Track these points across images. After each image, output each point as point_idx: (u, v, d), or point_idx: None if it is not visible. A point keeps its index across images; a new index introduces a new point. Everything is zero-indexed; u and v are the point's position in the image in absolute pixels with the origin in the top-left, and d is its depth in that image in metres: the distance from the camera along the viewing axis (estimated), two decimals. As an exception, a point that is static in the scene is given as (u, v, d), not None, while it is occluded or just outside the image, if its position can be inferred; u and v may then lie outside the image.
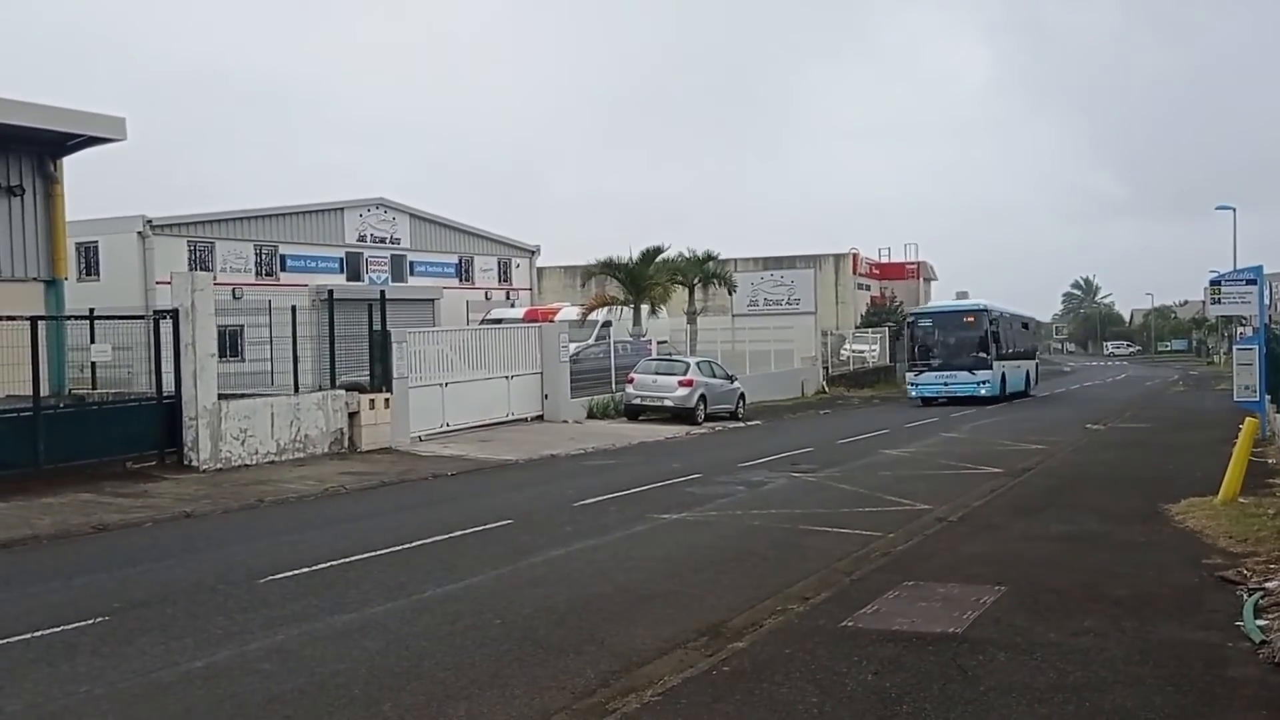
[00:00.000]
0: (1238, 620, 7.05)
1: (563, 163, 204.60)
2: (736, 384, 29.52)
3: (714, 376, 28.41)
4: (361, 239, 38.11)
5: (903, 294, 62.45)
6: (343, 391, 19.96)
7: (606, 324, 34.03)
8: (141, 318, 19.22)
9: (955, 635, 6.88)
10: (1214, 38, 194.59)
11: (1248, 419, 13.55)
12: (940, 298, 72.31)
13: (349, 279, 36.46)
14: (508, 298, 43.34)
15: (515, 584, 9.12)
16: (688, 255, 35.74)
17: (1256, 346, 17.83)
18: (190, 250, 32.49)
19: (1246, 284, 19.40)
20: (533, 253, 45.77)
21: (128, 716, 6.02)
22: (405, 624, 7.81)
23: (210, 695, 6.30)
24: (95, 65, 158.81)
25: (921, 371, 35.66)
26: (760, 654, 6.60)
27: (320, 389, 20.03)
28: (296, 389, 19.60)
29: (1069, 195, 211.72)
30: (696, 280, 35.45)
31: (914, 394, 35.56)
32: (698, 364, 28.12)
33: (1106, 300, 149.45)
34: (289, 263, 35.47)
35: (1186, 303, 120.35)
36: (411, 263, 39.87)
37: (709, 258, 36.04)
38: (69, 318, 20.35)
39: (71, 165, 22.12)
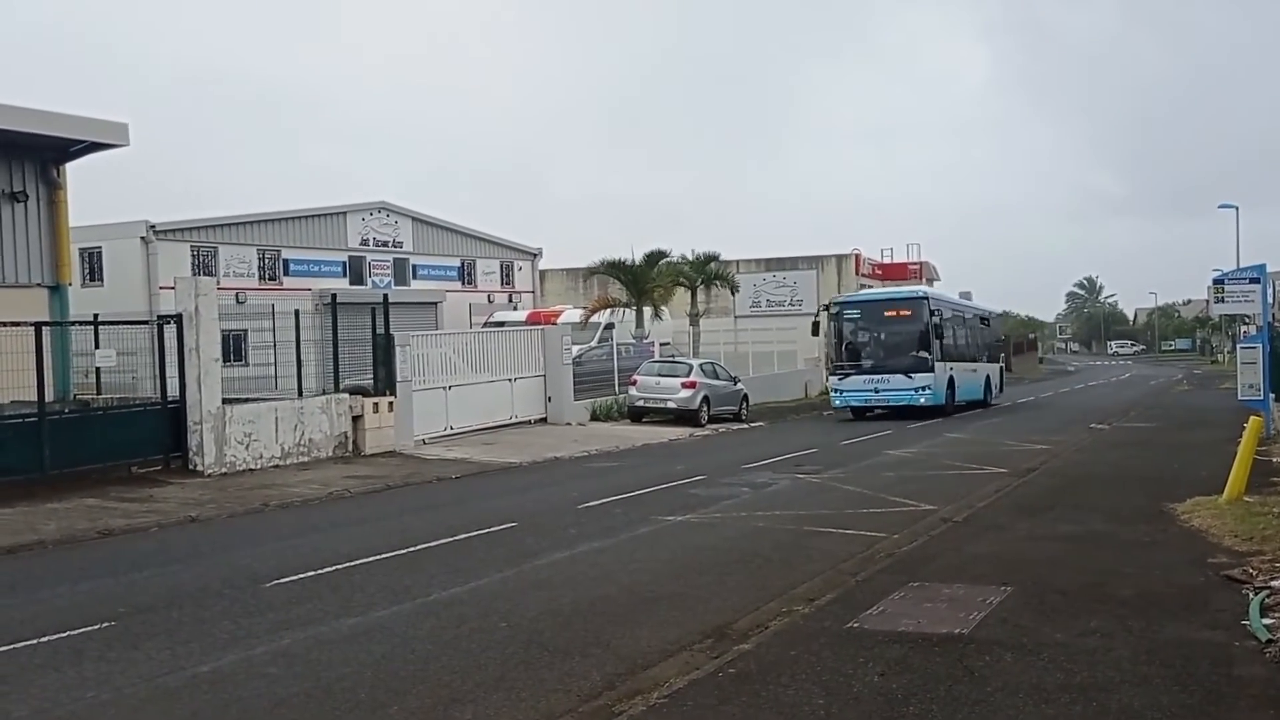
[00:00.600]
0: (1244, 619, 7.03)
1: (564, 164, 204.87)
2: (740, 385, 29.53)
3: (717, 378, 28.42)
4: (364, 243, 38.15)
5: (906, 294, 62.33)
6: (346, 395, 19.99)
7: (609, 326, 34.05)
8: (145, 323, 19.27)
9: (961, 636, 6.87)
10: (1213, 36, 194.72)
11: (1252, 418, 13.53)
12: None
13: (352, 283, 36.52)
14: (510, 300, 43.37)
15: (520, 587, 9.12)
16: (690, 257, 35.71)
17: (1260, 345, 17.82)
18: (193, 255, 32.55)
19: (1250, 283, 19.40)
20: (535, 255, 45.80)
21: (134, 721, 6.03)
22: (411, 627, 7.81)
23: (216, 700, 6.30)
24: (97, 71, 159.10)
25: (847, 375, 29.23)
26: (766, 656, 6.60)
27: (324, 393, 20.07)
28: (300, 393, 19.65)
29: (1070, 194, 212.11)
30: (699, 282, 35.42)
31: (838, 403, 29.32)
32: (701, 366, 28.13)
33: (1110, 299, 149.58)
34: (292, 267, 35.53)
35: (1190, 301, 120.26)
36: (414, 266, 39.93)
37: (711, 259, 35.99)
38: (73, 323, 20.38)
39: (74, 171, 22.17)
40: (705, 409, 26.87)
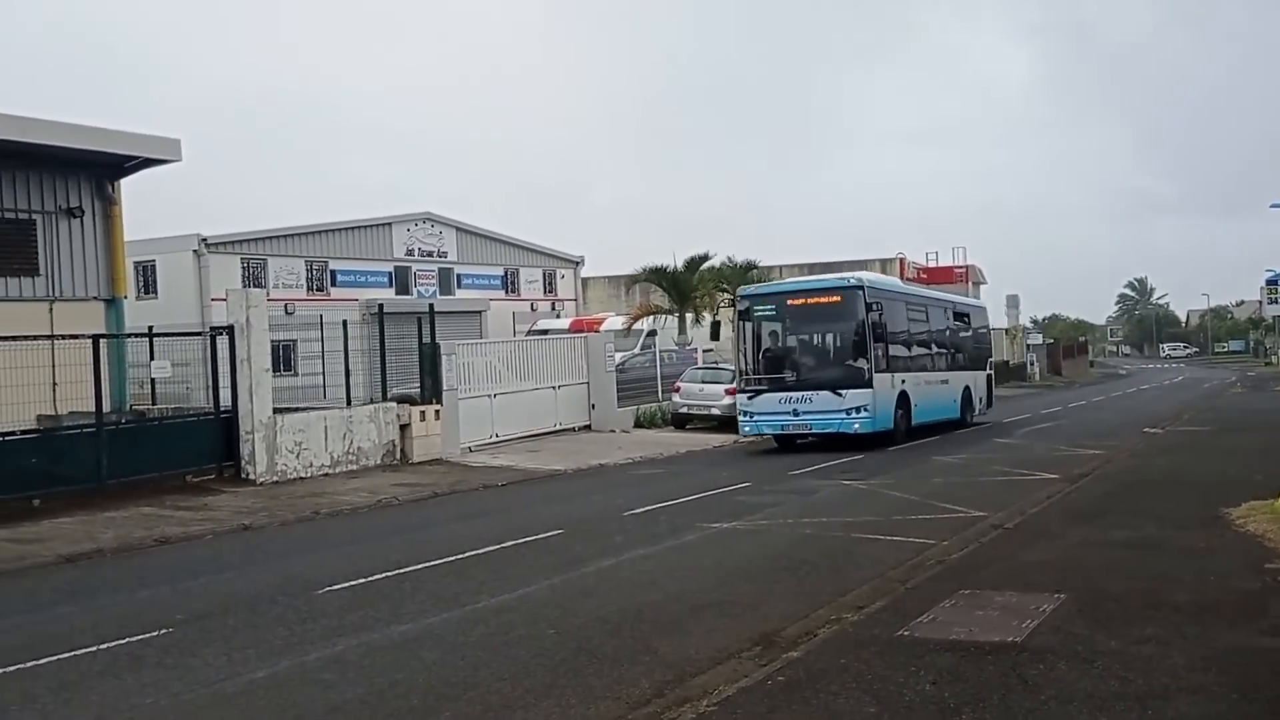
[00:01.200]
0: (1305, 627, 6.89)
1: (605, 173, 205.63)
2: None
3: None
4: (409, 253, 38.58)
5: (951, 298, 61.68)
6: (394, 404, 20.21)
7: (652, 333, 34.09)
8: (198, 334, 19.65)
9: (1014, 644, 6.80)
10: (1258, 31, 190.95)
11: (1311, 421, 13.24)
12: (990, 303, 70.39)
13: (398, 292, 36.95)
14: (553, 308, 43.62)
15: (568, 594, 9.16)
16: (732, 263, 35.58)
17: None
18: (243, 267, 33.13)
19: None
20: (577, 263, 46.02)
21: (193, 726, 6.14)
22: (461, 634, 7.89)
23: (273, 705, 6.41)
24: (150, 86, 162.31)
25: (758, 392, 21.96)
26: (815, 664, 6.57)
27: (372, 402, 20.31)
28: (349, 402, 19.92)
29: (1118, 195, 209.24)
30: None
31: (748, 429, 22.41)
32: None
33: (1162, 301, 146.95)
34: (339, 277, 36.03)
35: (1243, 302, 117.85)
36: (458, 275, 40.31)
37: (753, 265, 35.85)
38: (129, 335, 20.86)
39: (128, 186, 22.66)
40: (749, 415, 26.68)
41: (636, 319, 34.13)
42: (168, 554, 12.11)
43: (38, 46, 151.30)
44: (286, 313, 29.36)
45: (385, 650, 7.50)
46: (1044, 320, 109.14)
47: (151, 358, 19.29)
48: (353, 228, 37.18)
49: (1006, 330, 64.01)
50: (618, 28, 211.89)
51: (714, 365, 29.61)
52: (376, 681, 6.77)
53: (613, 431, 25.96)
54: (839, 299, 22.07)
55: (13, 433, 15.04)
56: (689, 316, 33.82)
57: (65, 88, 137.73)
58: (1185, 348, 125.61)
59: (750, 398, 22.11)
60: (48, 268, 21.04)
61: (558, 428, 25.37)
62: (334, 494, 16.26)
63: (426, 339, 21.09)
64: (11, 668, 7.37)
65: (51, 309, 20.49)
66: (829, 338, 22.80)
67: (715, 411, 26.61)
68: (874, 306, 21.56)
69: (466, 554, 11.08)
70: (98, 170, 21.69)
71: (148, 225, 30.50)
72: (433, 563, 10.65)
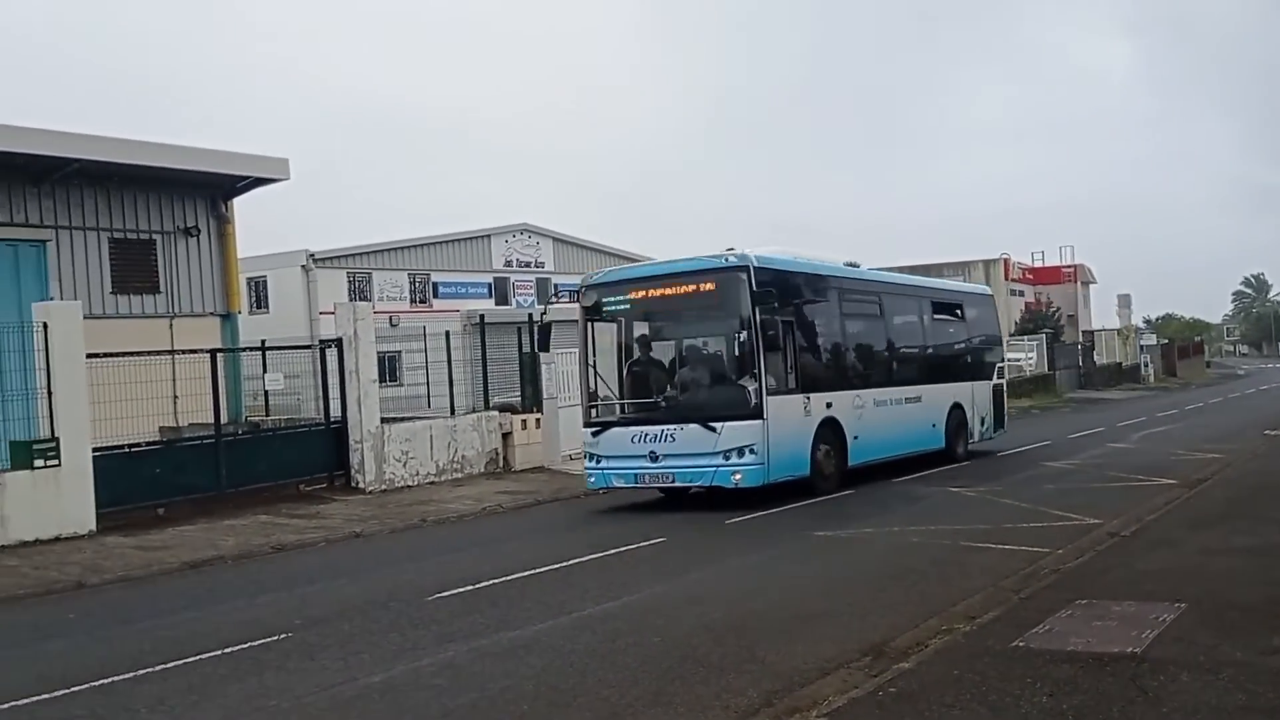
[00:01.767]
0: None
1: (698, 176, 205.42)
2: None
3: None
4: (508, 264, 39.21)
5: (1059, 299, 60.13)
6: (496, 413, 20.54)
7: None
8: (308, 347, 20.27)
9: (1134, 655, 6.58)
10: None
11: None
12: (1100, 303, 67.53)
13: (497, 303, 37.60)
14: (650, 316, 43.68)
15: (672, 601, 9.18)
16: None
17: None
18: (350, 281, 34.10)
19: None
20: (673, 270, 46.04)
21: (314, 729, 6.34)
22: (567, 641, 7.97)
23: (389, 709, 6.57)
24: (260, 106, 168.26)
25: (604, 426, 15.48)
26: (927, 675, 6.46)
27: (474, 411, 20.68)
28: (453, 411, 20.32)
29: (1231, 188, 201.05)
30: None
31: (594, 481, 15.63)
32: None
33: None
34: (441, 289, 36.80)
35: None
36: (555, 285, 40.75)
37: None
38: (244, 349, 21.66)
39: (239, 204, 23.54)
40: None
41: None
42: (284, 560, 12.53)
43: (153, 69, 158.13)
44: (391, 325, 30.05)
45: (495, 656, 7.62)
46: (1157, 320, 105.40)
47: (265, 371, 19.97)
48: (453, 240, 37.97)
49: (1118, 331, 62.25)
50: (715, 28, 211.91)
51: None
52: (488, 688, 6.88)
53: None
54: (711, 286, 15.06)
55: (138, 444, 15.73)
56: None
57: (174, 103, 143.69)
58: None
59: (595, 433, 15.55)
60: (167, 285, 21.98)
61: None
62: (440, 501, 16.59)
63: (527, 349, 21.38)
64: (142, 671, 7.71)
65: (171, 325, 21.41)
66: (700, 344, 16.27)
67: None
68: (767, 297, 14.52)
69: (571, 561, 11.19)
70: (212, 190, 22.60)
71: (257, 241, 31.65)
72: (538, 570, 10.77)
